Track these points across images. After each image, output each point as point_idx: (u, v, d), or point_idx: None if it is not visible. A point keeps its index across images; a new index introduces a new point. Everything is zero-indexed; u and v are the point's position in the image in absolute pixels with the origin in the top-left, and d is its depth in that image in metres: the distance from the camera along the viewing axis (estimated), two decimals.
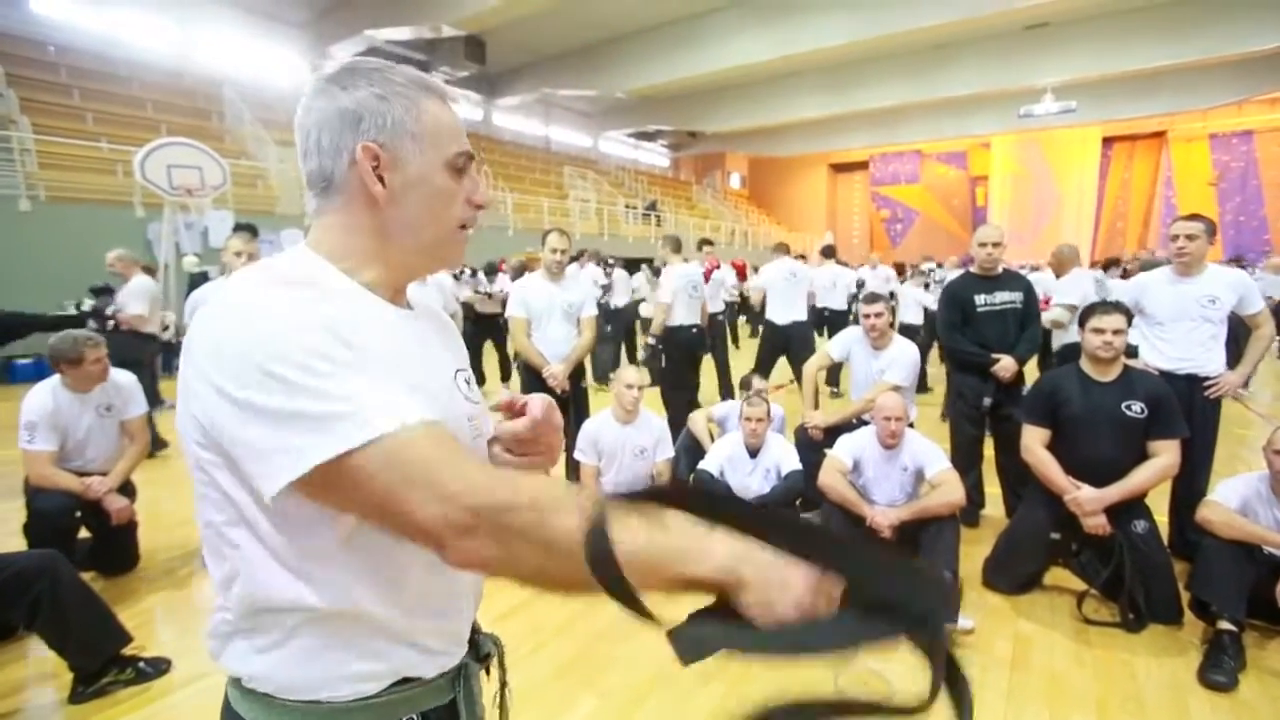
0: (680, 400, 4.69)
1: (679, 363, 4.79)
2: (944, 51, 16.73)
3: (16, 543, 2.64)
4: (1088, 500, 2.53)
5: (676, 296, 4.70)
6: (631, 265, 10.32)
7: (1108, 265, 7.00)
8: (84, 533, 2.90)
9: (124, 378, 3.00)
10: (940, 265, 9.51)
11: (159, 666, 2.23)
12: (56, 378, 2.76)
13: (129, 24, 13.15)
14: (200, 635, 2.53)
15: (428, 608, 0.71)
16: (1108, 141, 22.31)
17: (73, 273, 8.11)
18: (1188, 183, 20.91)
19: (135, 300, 4.86)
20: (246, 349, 0.57)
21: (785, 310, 5.46)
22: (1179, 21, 14.15)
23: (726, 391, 5.79)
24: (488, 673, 0.83)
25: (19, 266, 7.83)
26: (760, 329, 6.28)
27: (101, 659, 2.12)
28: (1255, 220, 20.02)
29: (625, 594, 0.51)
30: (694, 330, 4.83)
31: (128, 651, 2.21)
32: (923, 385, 6.23)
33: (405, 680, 0.70)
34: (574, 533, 0.52)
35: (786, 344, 5.44)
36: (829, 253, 7.92)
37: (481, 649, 0.82)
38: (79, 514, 2.79)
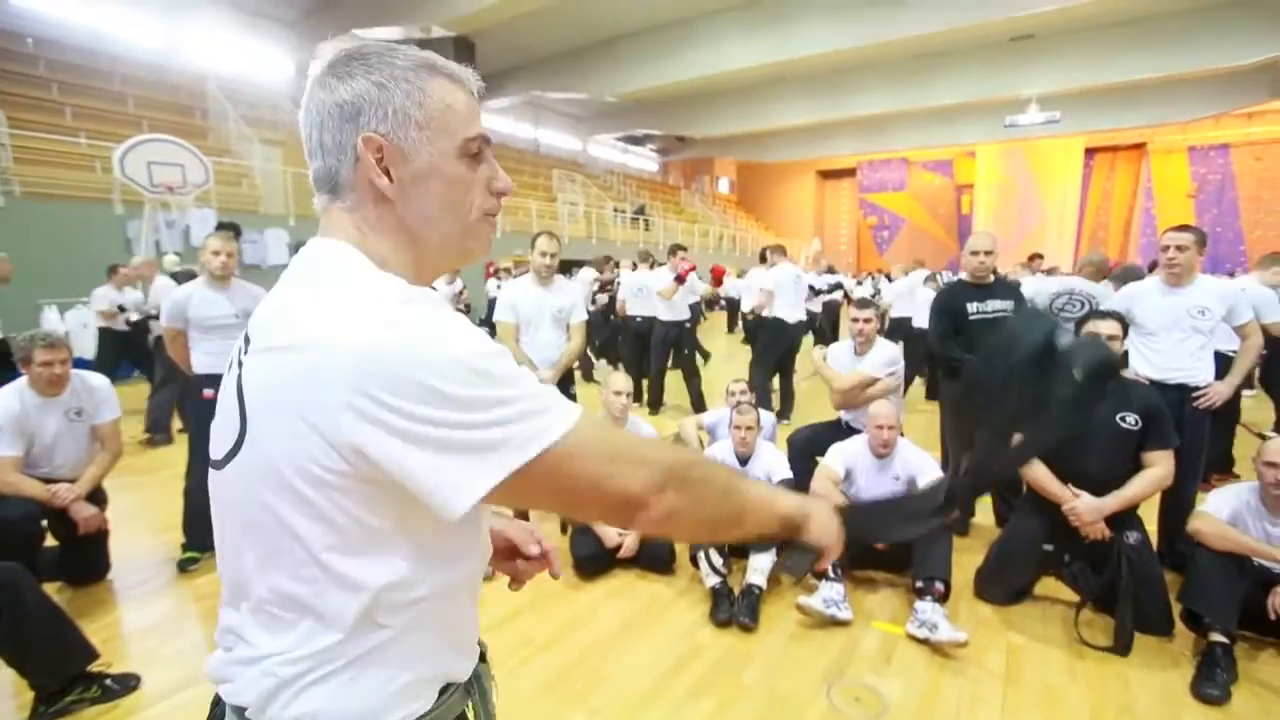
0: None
1: (631, 343, 6.60)
2: (931, 61, 16.91)
3: None
4: (1086, 510, 2.51)
5: (630, 294, 6.40)
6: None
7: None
8: (52, 540, 2.79)
9: (96, 380, 2.89)
10: (922, 266, 9.52)
11: (127, 683, 2.14)
12: (24, 379, 2.66)
13: (112, 18, 12.90)
14: (173, 648, 2.45)
15: (472, 595, 0.74)
16: (1090, 152, 22.68)
17: (50, 270, 7.92)
18: (1167, 194, 21.30)
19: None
20: (422, 365, 0.54)
21: (793, 310, 5.83)
22: (1161, 36, 14.41)
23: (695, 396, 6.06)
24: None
25: None
26: (752, 328, 6.61)
27: (64, 677, 2.02)
28: (1231, 232, 20.43)
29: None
30: (637, 320, 6.29)
31: (94, 668, 2.11)
32: (933, 393, 6.33)
33: (447, 687, 0.70)
34: (734, 476, 0.73)
35: (793, 341, 5.93)
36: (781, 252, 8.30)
37: (483, 650, 0.82)
38: (45, 522, 2.68)
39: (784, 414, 5.74)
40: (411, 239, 0.68)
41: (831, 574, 2.65)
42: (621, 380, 3.22)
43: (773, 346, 5.82)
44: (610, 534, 3.04)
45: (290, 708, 0.61)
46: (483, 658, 0.80)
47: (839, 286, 10.68)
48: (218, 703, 0.68)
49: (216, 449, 0.66)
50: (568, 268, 10.18)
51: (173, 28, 13.66)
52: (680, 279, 5.87)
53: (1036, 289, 4.01)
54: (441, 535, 0.64)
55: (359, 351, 0.54)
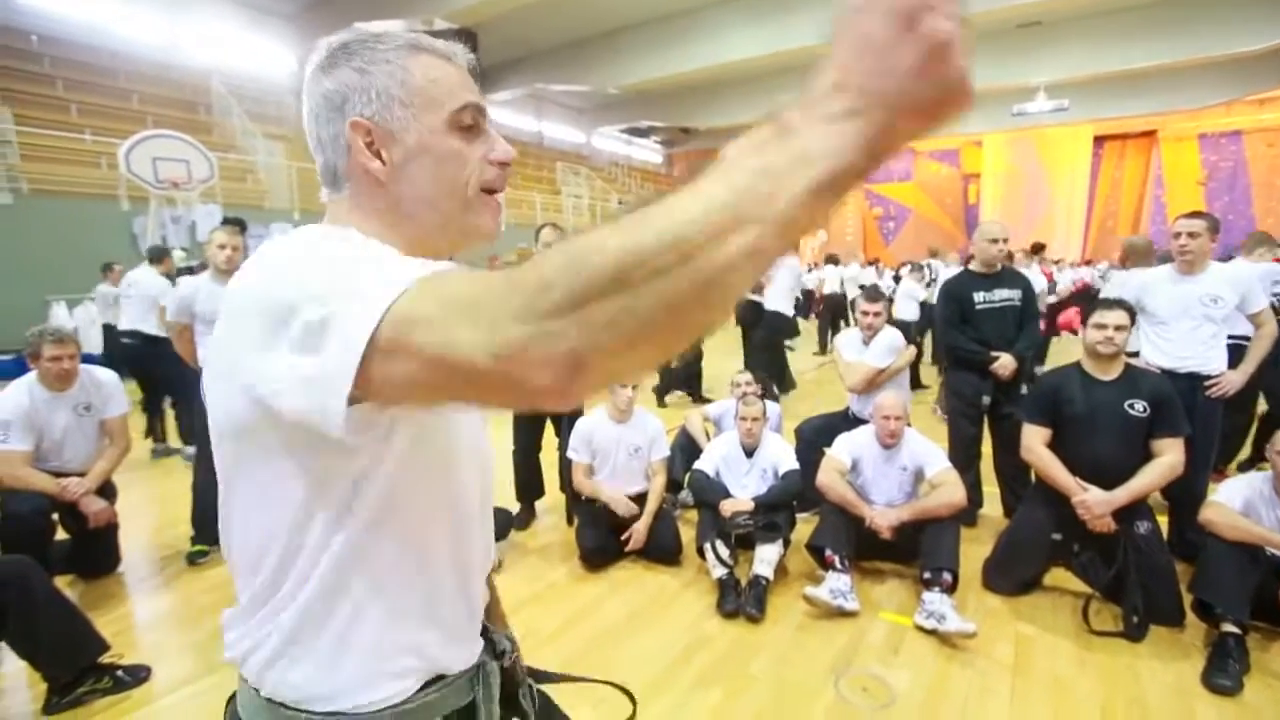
0: None
1: None
2: None
3: None
4: (1096, 503, 2.49)
5: None
6: None
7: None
8: (63, 534, 2.81)
9: (105, 375, 2.91)
10: (935, 256, 9.43)
11: (137, 675, 2.16)
12: (33, 374, 2.67)
13: (116, 15, 12.89)
14: (182, 640, 2.47)
15: (453, 578, 0.69)
16: (1099, 140, 22.41)
17: (56, 267, 7.97)
18: (1177, 182, 21.05)
19: None
20: (271, 280, 0.52)
21: (788, 303, 6.11)
22: (1170, 22, 14.19)
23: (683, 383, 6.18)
24: (504, 672, 0.79)
25: (1, 260, 7.66)
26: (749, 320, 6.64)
27: (76, 668, 2.04)
28: (1244, 219, 20.16)
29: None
30: None
31: (105, 659, 2.13)
32: (916, 382, 6.25)
33: (437, 679, 0.68)
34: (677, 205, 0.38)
35: (790, 333, 6.38)
36: None
37: (497, 646, 0.79)
38: (55, 516, 2.70)
39: (783, 390, 5.97)
40: (410, 221, 0.66)
41: (838, 565, 2.64)
42: None
43: (772, 338, 6.00)
44: (620, 511, 3.07)
45: (250, 672, 0.65)
46: (495, 654, 0.78)
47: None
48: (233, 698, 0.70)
49: None
50: None
51: (175, 23, 13.65)
52: None
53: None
54: (336, 472, 0.58)
55: (250, 288, 0.55)
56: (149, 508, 3.75)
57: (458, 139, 0.66)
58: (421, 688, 0.66)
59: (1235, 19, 13.45)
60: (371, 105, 0.63)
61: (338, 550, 0.60)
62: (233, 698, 0.70)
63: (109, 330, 6.04)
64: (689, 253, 0.36)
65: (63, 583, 2.69)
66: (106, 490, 2.89)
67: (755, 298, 5.88)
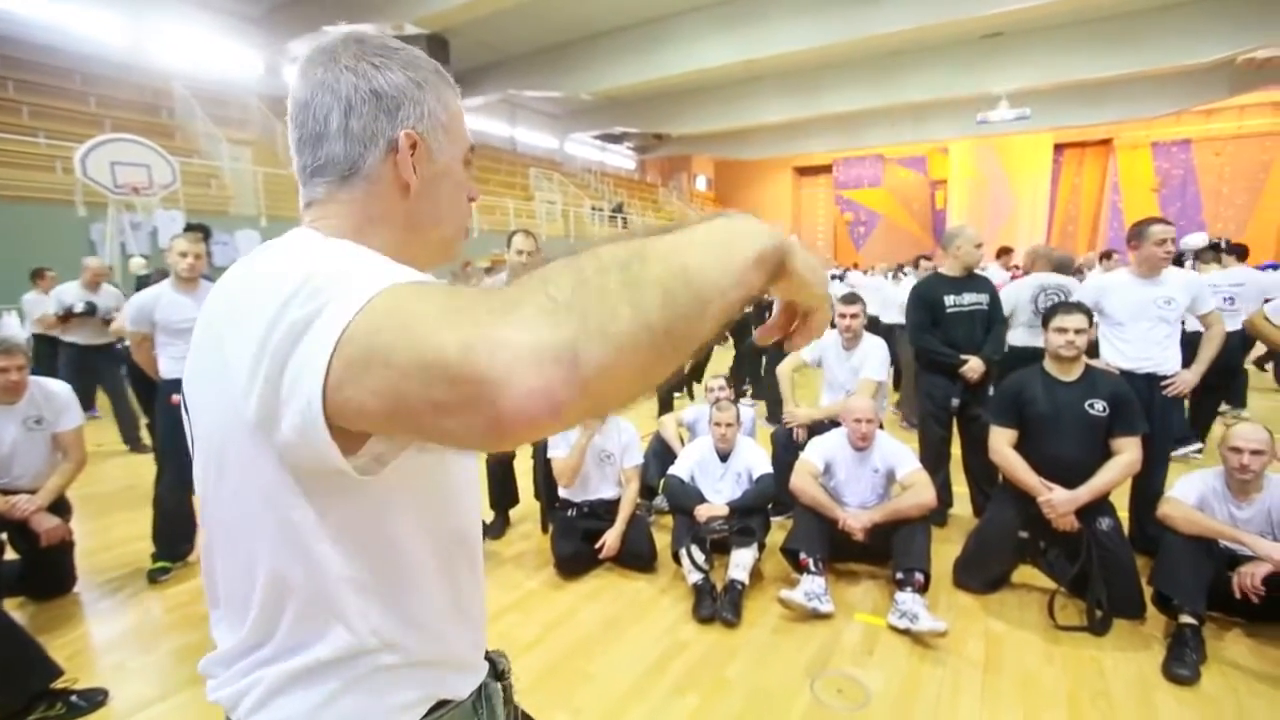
0: None
1: None
2: (904, 58, 17.11)
3: None
4: (1060, 502, 2.56)
5: None
6: None
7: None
8: (12, 553, 2.69)
9: (57, 387, 2.80)
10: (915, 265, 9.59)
11: (94, 699, 2.06)
12: None
13: (71, 14, 12.48)
14: (142, 661, 2.38)
15: (457, 607, 0.68)
16: (1059, 148, 23.11)
17: (8, 274, 7.66)
18: (1132, 188, 21.80)
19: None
20: (267, 290, 0.49)
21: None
22: (1125, 35, 14.75)
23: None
24: (504, 692, 0.78)
25: None
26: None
27: (25, 696, 1.94)
28: (1194, 225, 20.90)
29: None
30: None
31: (60, 684, 2.04)
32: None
33: (440, 704, 0.66)
34: (649, 250, 0.42)
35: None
36: None
37: (498, 666, 0.78)
38: (4, 535, 2.58)
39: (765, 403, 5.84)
40: (416, 234, 0.68)
41: (813, 567, 2.66)
42: None
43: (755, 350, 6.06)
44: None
45: (240, 715, 0.61)
46: (500, 675, 0.77)
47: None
48: None
49: None
50: None
51: (135, 25, 13.27)
52: None
53: (1015, 291, 4.03)
54: (337, 498, 0.55)
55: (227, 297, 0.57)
56: (107, 523, 3.61)
57: (464, 173, 0.72)
58: (427, 713, 0.65)
59: (1185, 33, 14.05)
60: (424, 121, 0.66)
61: (340, 582, 0.57)
62: None
63: (39, 339, 5.68)
64: (690, 280, 0.42)
65: (12, 605, 2.58)
66: (60, 507, 2.77)
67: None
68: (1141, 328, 3.05)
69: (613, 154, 27.67)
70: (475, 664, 0.72)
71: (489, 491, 3.51)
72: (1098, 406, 2.62)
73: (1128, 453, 2.59)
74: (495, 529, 3.48)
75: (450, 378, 0.37)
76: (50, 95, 10.84)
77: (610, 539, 3.04)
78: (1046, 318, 2.78)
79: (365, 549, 0.58)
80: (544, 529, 3.45)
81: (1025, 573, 2.85)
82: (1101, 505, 2.63)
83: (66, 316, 4.78)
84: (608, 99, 20.08)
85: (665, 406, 5.73)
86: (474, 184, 0.75)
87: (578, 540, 3.08)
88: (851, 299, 3.63)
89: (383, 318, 0.42)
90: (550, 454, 3.20)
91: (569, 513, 3.21)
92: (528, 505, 3.63)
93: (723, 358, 6.36)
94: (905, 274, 8.23)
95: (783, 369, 3.87)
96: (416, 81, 0.66)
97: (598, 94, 18.52)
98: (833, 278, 8.97)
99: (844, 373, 3.60)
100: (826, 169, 27.95)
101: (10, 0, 11.82)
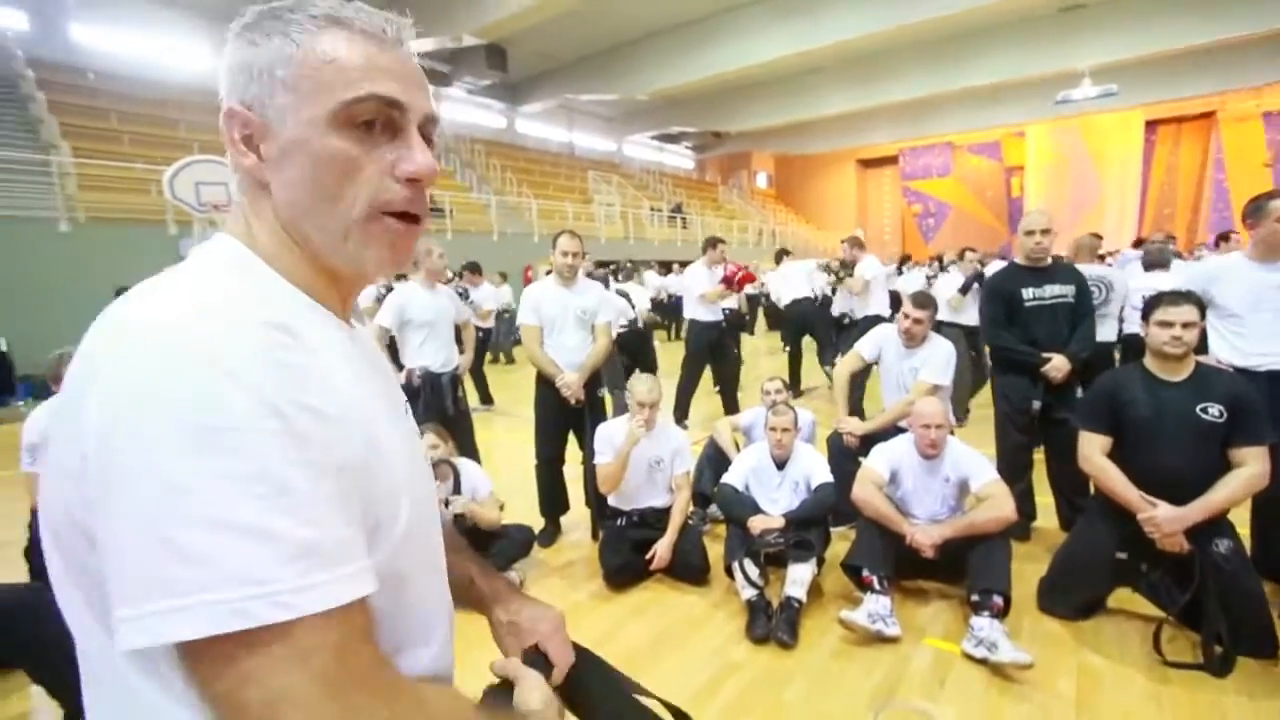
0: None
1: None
2: (972, 39, 16.19)
3: (19, 569, 2.59)
4: (1166, 520, 2.24)
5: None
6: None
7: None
8: None
9: None
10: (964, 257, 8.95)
11: None
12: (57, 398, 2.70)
13: (165, 49, 13.55)
14: None
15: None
16: (1151, 125, 21.37)
17: (110, 292, 8.31)
18: (1240, 165, 19.84)
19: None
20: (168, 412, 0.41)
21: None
22: None
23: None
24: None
25: (59, 286, 8.01)
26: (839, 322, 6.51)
27: None
28: None
29: None
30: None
31: None
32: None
33: None
34: None
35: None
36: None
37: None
38: None
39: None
40: (296, 235, 0.54)
41: (877, 586, 2.45)
42: (643, 390, 2.97)
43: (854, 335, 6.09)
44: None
45: None
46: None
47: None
48: None
49: None
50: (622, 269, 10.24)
51: (218, 54, 14.24)
52: (731, 282, 5.32)
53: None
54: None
55: (110, 365, 0.43)
56: None
57: (346, 139, 0.51)
58: None
59: None
60: (252, 87, 0.51)
61: None
62: None
63: None
64: None
65: None
66: None
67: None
68: (1262, 319, 2.66)
69: (670, 154, 27.60)
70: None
71: (539, 499, 3.46)
72: (1213, 411, 2.28)
73: (1251, 465, 2.24)
74: (545, 537, 3.42)
75: None
76: (146, 123, 11.76)
77: (661, 549, 2.92)
78: (1148, 309, 2.46)
79: None
80: (594, 535, 3.37)
81: (1123, 597, 2.53)
82: (1218, 524, 2.28)
83: None
84: (663, 99, 20.02)
85: (682, 414, 5.46)
86: (410, 155, 0.53)
87: (627, 551, 2.98)
88: (923, 303, 3.34)
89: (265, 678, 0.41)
90: (596, 461, 3.11)
91: (619, 521, 3.11)
92: (579, 512, 3.56)
93: (777, 360, 6.10)
94: (948, 269, 7.62)
95: (840, 371, 3.65)
96: (251, 40, 0.52)
97: (653, 94, 18.49)
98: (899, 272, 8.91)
99: (903, 373, 3.35)
100: (892, 160, 26.95)
101: (112, 40, 12.94)
